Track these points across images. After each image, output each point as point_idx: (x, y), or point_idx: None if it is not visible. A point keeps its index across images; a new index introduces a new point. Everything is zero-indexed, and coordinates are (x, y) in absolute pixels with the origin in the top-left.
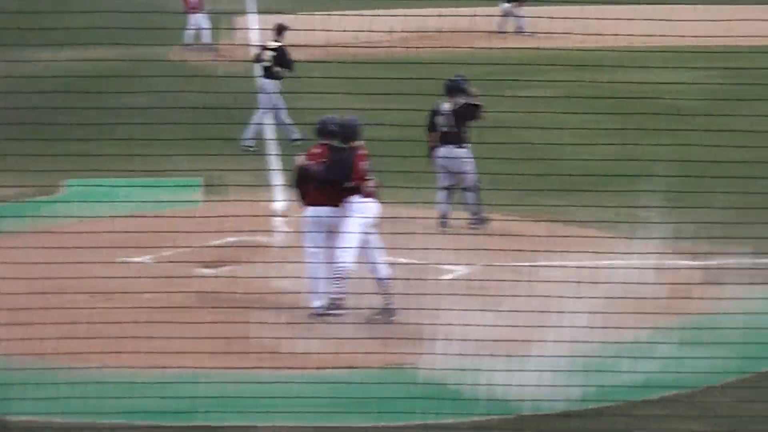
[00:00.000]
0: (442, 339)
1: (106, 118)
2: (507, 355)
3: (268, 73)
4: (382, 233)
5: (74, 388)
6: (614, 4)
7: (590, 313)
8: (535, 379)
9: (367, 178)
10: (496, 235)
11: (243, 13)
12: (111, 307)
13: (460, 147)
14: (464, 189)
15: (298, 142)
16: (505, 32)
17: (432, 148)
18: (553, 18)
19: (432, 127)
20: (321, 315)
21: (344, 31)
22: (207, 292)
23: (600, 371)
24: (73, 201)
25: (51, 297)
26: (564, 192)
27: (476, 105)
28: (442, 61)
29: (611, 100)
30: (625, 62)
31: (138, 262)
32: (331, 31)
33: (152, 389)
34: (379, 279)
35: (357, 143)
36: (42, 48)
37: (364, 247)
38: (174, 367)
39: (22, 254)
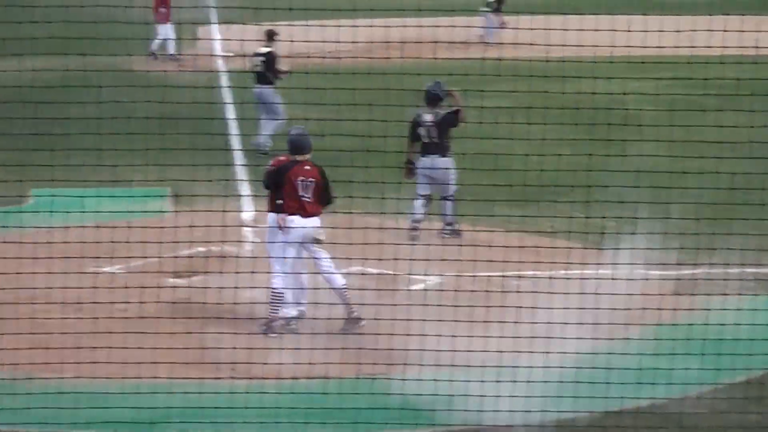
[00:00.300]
0: (413, 349)
1: (71, 128)
2: (478, 366)
3: (262, 79)
4: (350, 243)
5: (46, 399)
6: (579, 14)
7: (563, 323)
8: (506, 390)
9: (302, 195)
10: (468, 245)
11: (206, 23)
12: (82, 318)
13: (444, 156)
14: (443, 198)
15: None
16: (487, 42)
17: (410, 159)
18: (517, 28)
19: (414, 137)
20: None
21: (309, 41)
22: (178, 303)
23: (573, 382)
24: (41, 211)
25: (21, 307)
26: (529, 202)
27: (456, 111)
28: (405, 71)
29: (574, 111)
30: (586, 72)
31: (108, 272)
32: (295, 41)
33: (125, 400)
34: (336, 289)
35: (301, 157)
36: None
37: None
38: (147, 378)
39: None
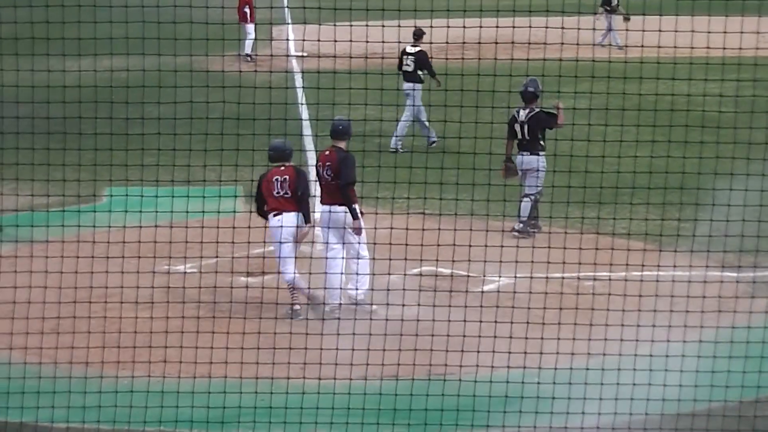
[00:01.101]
0: (480, 351)
1: (147, 128)
2: (548, 368)
3: (411, 77)
4: (423, 245)
5: (118, 398)
6: (655, 15)
7: (636, 326)
8: (571, 392)
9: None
10: (541, 247)
11: (281, 23)
12: (154, 317)
13: (533, 154)
14: (525, 196)
15: (434, 145)
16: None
17: (508, 157)
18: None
19: (510, 135)
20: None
21: (384, 42)
22: (250, 302)
23: (645, 385)
24: (114, 210)
25: (94, 305)
26: (606, 204)
27: (550, 113)
28: (477, 72)
29: (650, 112)
30: (665, 73)
31: (181, 271)
32: (369, 42)
33: (197, 399)
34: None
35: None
36: (85, 57)
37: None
38: (219, 377)
39: (65, 263)
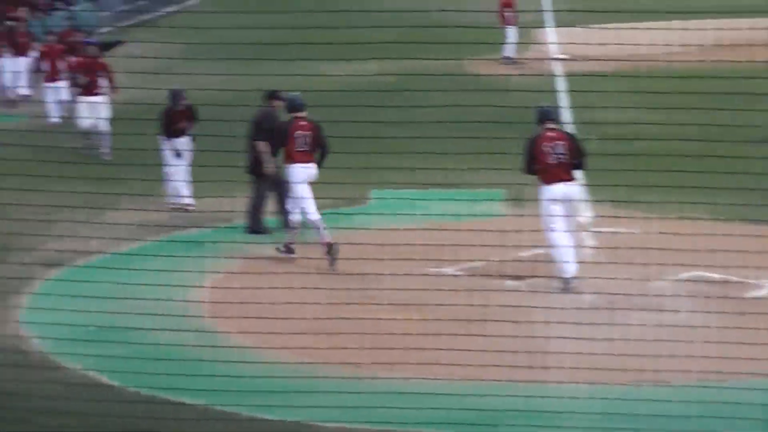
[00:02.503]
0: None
1: (411, 131)
2: None
3: None
4: (692, 250)
5: (388, 398)
6: None
7: None
8: None
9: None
10: None
11: (542, 26)
12: (423, 319)
13: None
14: None
15: None
16: None
17: None
18: None
19: None
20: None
21: (652, 45)
22: (516, 305)
23: None
24: (379, 213)
25: (364, 307)
26: None
27: None
28: (725, 75)
29: None
30: None
31: (448, 274)
32: (625, 44)
33: (466, 401)
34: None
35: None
36: (352, 61)
37: None
38: (487, 379)
39: (328, 264)
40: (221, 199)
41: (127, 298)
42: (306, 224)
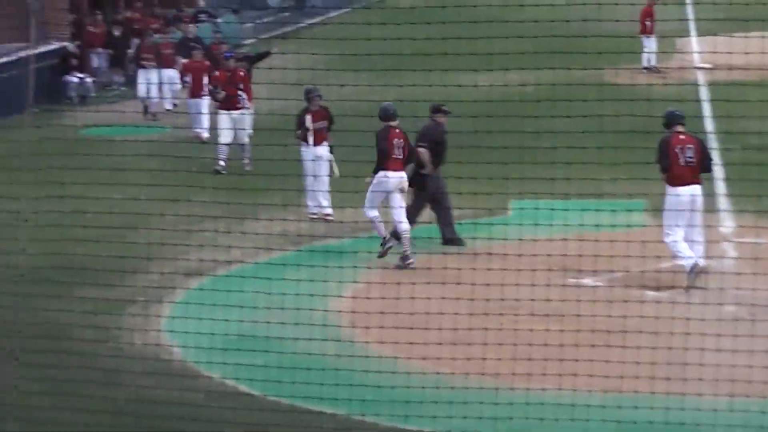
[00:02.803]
0: None
1: (553, 141)
2: None
3: None
4: None
5: (527, 409)
6: None
7: None
8: None
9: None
10: None
11: (685, 35)
12: (563, 330)
13: None
14: None
15: None
16: None
17: None
18: None
19: None
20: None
21: None
22: (656, 316)
23: None
24: (523, 222)
25: (504, 317)
26: None
27: None
28: None
29: None
30: None
31: (588, 284)
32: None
33: (605, 412)
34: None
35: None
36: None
37: None
38: (628, 391)
39: (476, 274)
40: (360, 210)
41: (267, 308)
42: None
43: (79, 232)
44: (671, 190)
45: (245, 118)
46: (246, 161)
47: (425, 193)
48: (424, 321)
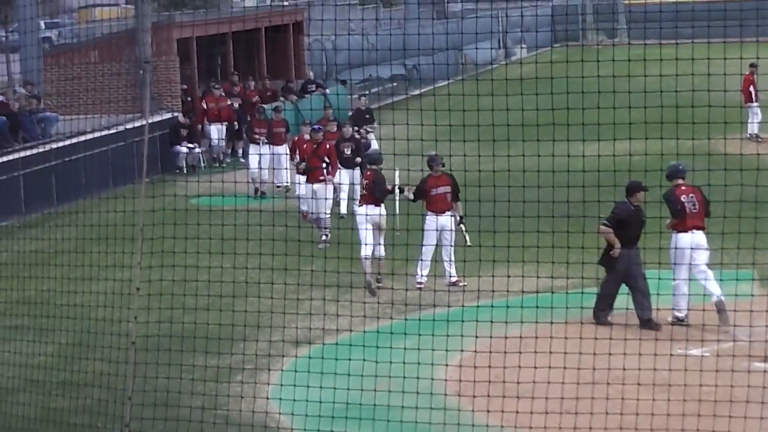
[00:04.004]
0: None
1: (656, 211)
2: None
3: None
4: None
5: None
6: None
7: None
8: None
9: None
10: None
11: None
12: (671, 400)
13: None
14: None
15: None
16: None
17: None
18: None
19: None
20: None
21: None
22: (757, 387)
23: None
24: (627, 292)
25: (610, 387)
26: None
27: None
28: None
29: None
30: None
31: (695, 354)
32: None
33: None
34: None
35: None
36: (596, 142)
37: None
38: None
39: (576, 343)
40: (472, 278)
41: (374, 376)
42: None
43: (188, 300)
44: (678, 236)
45: (326, 189)
46: (323, 237)
47: (615, 272)
48: (531, 390)
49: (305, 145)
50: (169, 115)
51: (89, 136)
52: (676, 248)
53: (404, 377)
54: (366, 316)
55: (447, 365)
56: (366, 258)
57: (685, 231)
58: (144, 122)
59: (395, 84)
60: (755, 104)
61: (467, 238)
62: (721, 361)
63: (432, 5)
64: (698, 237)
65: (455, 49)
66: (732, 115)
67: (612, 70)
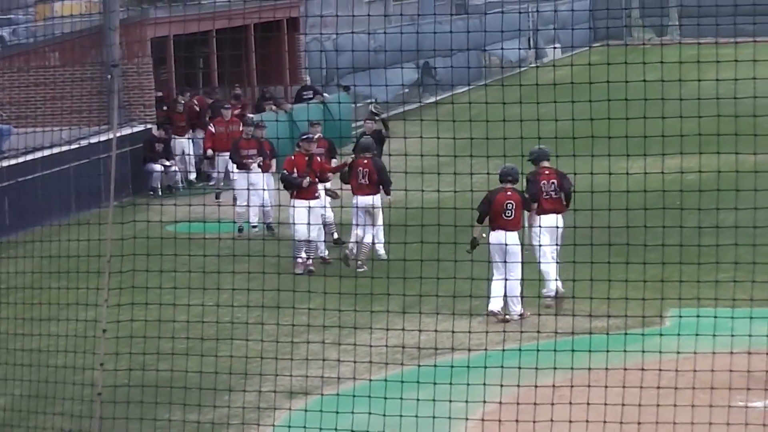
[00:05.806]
0: None
1: (720, 239)
2: None
3: None
4: None
5: None
6: None
7: None
8: None
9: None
10: None
11: None
12: None
13: None
14: None
15: None
16: None
17: None
18: None
19: None
20: None
21: None
22: None
23: None
24: (683, 333)
25: None
26: None
27: None
28: None
29: None
30: None
31: (759, 406)
32: None
33: None
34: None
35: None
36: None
37: None
38: None
39: (628, 393)
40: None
41: None
42: None
43: (164, 344)
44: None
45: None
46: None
47: None
48: None
49: (295, 158)
50: (141, 128)
51: (47, 152)
52: (539, 227)
53: None
54: (372, 362)
55: (467, 419)
56: (354, 242)
57: (544, 213)
58: (112, 136)
59: (407, 90)
60: None
61: None
62: None
63: None
64: (552, 219)
65: (477, 49)
66: None
67: (661, 74)
